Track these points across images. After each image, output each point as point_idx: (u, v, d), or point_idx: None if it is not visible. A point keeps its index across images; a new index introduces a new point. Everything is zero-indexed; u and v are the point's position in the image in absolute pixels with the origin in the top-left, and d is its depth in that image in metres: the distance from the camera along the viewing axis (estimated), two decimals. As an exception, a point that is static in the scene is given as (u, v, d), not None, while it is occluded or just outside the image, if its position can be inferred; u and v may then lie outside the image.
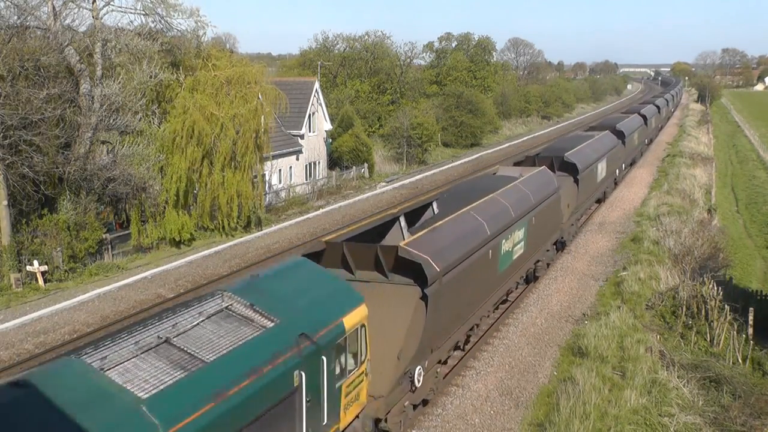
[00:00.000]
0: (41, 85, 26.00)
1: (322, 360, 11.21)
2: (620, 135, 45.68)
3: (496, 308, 21.74)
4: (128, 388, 8.39)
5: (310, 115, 45.46)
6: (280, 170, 41.99)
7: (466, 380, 17.89)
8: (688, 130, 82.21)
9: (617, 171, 44.22)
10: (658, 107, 77.12)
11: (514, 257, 21.22)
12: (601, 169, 36.72)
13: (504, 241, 19.77)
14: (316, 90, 46.11)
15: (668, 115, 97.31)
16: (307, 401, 10.81)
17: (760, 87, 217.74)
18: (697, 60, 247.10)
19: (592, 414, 14.81)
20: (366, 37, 74.49)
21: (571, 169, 29.91)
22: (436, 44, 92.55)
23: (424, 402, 16.04)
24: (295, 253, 27.09)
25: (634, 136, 52.06)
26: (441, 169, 55.57)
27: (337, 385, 11.80)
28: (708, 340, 19.45)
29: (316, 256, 14.58)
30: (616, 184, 44.75)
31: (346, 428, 12.47)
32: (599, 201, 39.48)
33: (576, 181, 29.91)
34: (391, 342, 13.89)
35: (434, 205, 20.01)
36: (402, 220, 18.00)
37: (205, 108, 30.87)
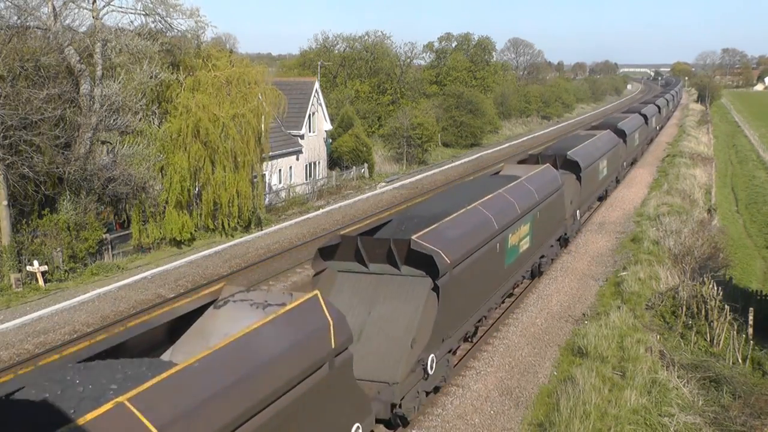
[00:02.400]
0: (41, 85, 25.99)
1: None
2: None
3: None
4: None
5: (310, 115, 45.47)
6: (280, 170, 41.99)
7: (466, 380, 17.90)
8: (688, 130, 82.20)
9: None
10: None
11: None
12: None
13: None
14: (316, 90, 46.11)
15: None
16: None
17: (760, 87, 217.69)
18: (697, 60, 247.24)
19: (592, 414, 14.82)
20: (366, 37, 74.54)
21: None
22: (436, 44, 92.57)
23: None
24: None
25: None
26: (441, 169, 55.57)
27: None
28: (708, 340, 19.46)
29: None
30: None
31: None
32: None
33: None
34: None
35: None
36: None
37: (207, 108, 30.94)
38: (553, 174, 26.95)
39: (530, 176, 24.85)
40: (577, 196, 30.14)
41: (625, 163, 47.24)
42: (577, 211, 30.74)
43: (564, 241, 29.54)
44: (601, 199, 39.94)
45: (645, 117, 61.77)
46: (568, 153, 30.87)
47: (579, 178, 30.50)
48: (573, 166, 30.41)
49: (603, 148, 37.53)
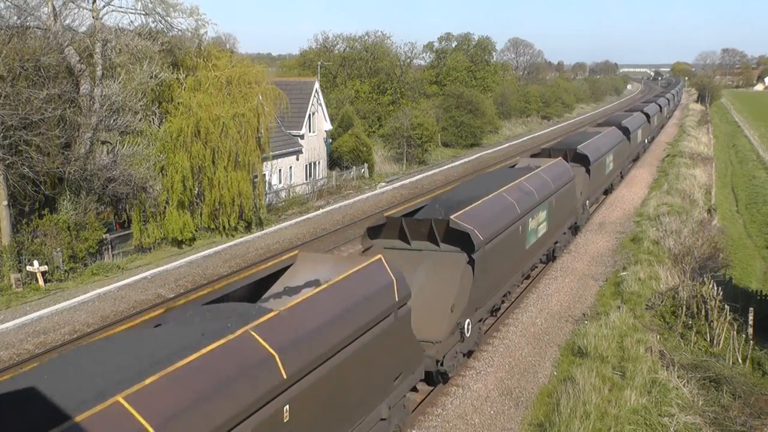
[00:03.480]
0: (41, 85, 25.98)
1: None
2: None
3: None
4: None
5: (310, 115, 45.47)
6: (280, 170, 41.99)
7: (466, 380, 17.89)
8: (688, 130, 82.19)
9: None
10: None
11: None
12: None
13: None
14: (316, 90, 46.11)
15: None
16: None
17: (760, 87, 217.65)
18: (697, 60, 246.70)
19: (592, 414, 14.82)
20: (366, 37, 74.58)
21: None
22: (436, 44, 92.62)
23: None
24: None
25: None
26: (441, 169, 55.57)
27: None
28: (708, 340, 19.46)
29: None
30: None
31: None
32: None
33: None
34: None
35: None
36: None
37: (208, 107, 30.95)
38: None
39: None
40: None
41: (588, 201, 34.37)
42: (467, 322, 18.04)
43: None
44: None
45: (626, 130, 47.73)
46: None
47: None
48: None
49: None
